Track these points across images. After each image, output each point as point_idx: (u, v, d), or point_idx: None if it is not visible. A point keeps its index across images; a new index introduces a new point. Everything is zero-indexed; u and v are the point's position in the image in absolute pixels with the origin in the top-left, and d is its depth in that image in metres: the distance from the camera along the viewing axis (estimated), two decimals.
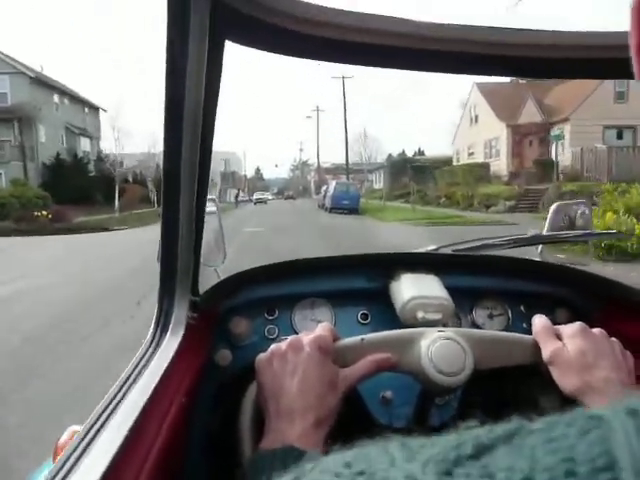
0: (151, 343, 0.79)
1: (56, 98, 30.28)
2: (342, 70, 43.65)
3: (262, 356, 0.70)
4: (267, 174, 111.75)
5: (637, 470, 0.17)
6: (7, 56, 26.66)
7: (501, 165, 27.27)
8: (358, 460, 0.23)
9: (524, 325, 1.03)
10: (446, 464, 0.20)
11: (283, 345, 0.69)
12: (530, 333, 0.78)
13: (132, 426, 0.56)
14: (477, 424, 0.24)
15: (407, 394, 0.88)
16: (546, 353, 0.73)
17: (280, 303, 1.03)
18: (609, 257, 8.71)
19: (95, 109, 36.39)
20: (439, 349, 0.72)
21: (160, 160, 0.75)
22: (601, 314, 1.03)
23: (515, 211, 19.66)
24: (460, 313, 1.04)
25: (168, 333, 0.81)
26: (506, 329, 1.04)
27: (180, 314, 0.83)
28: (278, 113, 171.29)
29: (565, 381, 0.70)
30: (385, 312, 0.99)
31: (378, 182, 46.38)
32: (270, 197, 62.49)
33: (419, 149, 61.04)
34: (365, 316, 1.04)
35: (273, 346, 0.70)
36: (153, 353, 0.76)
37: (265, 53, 0.65)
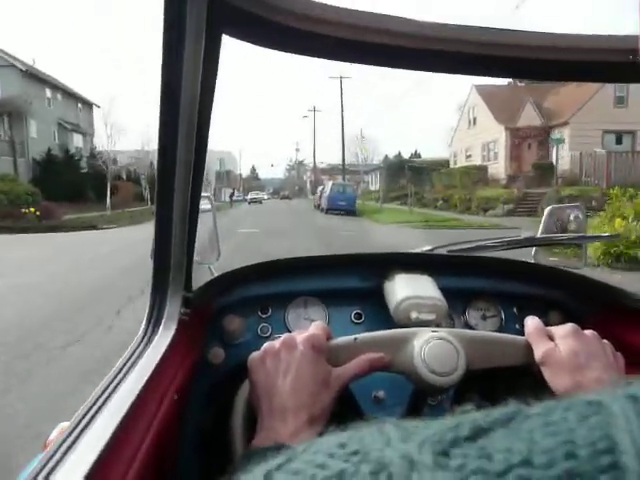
0: (142, 338, 0.79)
1: (48, 93, 29.90)
2: (340, 70, 43.54)
3: (255, 354, 0.69)
4: (263, 174, 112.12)
5: (638, 453, 0.17)
6: None
7: (499, 168, 27.13)
8: (352, 440, 0.23)
9: (517, 326, 1.04)
10: (443, 445, 0.20)
11: (276, 343, 0.69)
12: (522, 335, 0.78)
13: (121, 421, 0.55)
14: (473, 408, 0.23)
15: (400, 394, 0.88)
16: (538, 354, 0.73)
17: (274, 301, 1.03)
18: (617, 264, 8.34)
19: (89, 105, 36.04)
20: (432, 349, 0.72)
21: (154, 158, 0.74)
22: (594, 317, 1.03)
23: (514, 215, 19.56)
24: (453, 314, 1.05)
25: (160, 328, 0.80)
26: (499, 330, 1.04)
27: (172, 310, 0.82)
28: (275, 112, 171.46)
29: (557, 381, 0.70)
30: (379, 312, 1.00)
31: (374, 183, 46.26)
32: (265, 197, 62.54)
33: (415, 151, 61.11)
34: (359, 315, 1.04)
35: (266, 344, 0.70)
36: (145, 348, 0.75)
37: (262, 51, 0.65)
